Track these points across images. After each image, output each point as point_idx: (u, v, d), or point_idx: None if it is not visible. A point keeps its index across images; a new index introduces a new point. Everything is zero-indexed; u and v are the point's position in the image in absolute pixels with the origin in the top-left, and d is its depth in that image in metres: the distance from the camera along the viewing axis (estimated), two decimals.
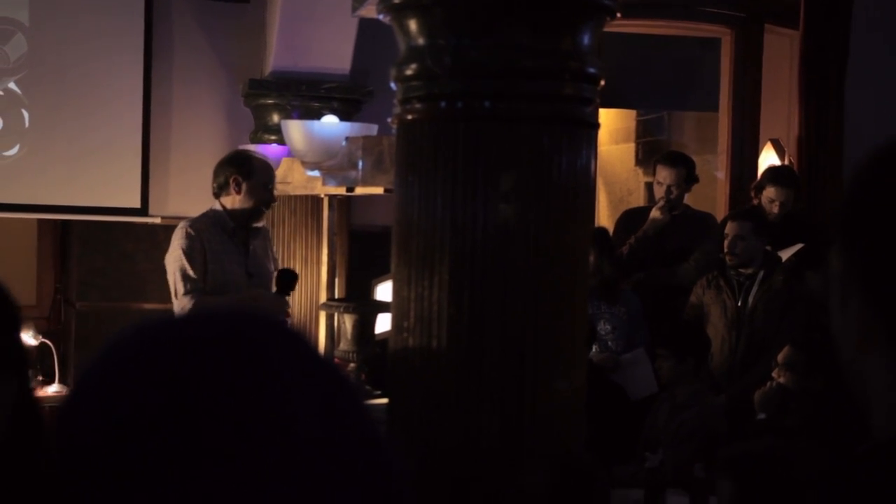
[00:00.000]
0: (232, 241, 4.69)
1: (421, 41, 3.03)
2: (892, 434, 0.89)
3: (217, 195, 4.73)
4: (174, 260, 4.62)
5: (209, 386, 0.82)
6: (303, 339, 0.89)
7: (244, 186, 4.65)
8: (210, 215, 4.72)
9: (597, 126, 3.19)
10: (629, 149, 10.89)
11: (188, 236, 4.60)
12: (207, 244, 4.61)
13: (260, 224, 4.83)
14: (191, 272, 4.56)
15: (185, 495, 0.80)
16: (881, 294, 0.89)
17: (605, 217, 9.28)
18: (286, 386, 0.84)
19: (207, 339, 0.86)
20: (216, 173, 4.75)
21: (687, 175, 5.69)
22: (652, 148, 9.87)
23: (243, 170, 4.66)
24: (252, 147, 6.06)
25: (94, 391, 0.86)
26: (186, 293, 4.55)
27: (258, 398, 0.82)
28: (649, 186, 8.91)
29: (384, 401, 3.26)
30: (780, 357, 4.41)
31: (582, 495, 2.47)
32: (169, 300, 5.30)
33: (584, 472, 2.58)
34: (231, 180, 4.66)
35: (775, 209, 5.62)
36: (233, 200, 4.68)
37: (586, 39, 3.04)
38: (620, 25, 6.49)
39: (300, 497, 0.81)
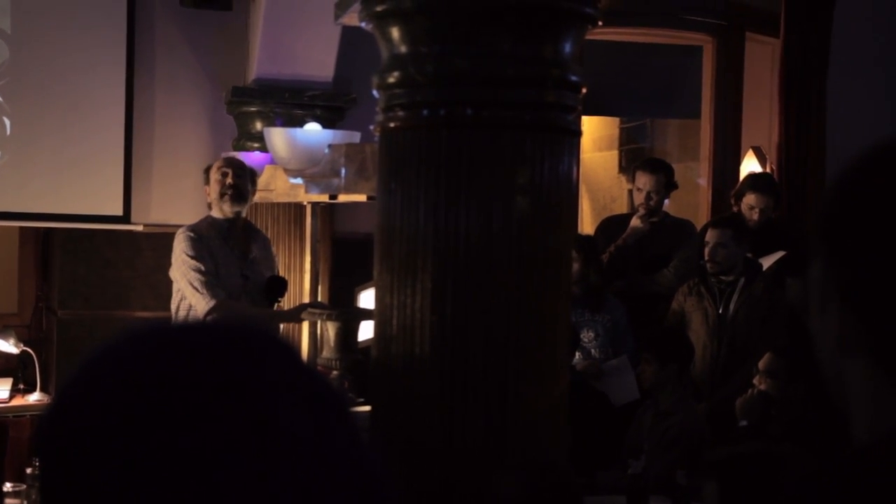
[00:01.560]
0: (227, 245, 4.78)
1: (403, 49, 3.03)
2: (872, 439, 0.90)
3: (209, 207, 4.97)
4: (184, 268, 4.66)
5: (196, 393, 0.83)
6: (289, 349, 0.90)
7: (209, 190, 4.92)
8: (208, 220, 4.88)
9: (579, 133, 3.20)
10: (612, 156, 10.92)
11: (191, 239, 4.70)
12: (207, 247, 4.71)
13: (239, 207, 4.89)
14: (205, 277, 4.60)
15: (171, 499, 0.80)
16: (860, 300, 0.89)
17: (588, 224, 9.30)
18: (273, 393, 0.85)
19: (196, 346, 0.86)
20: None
21: (666, 182, 5.71)
22: (635, 155, 9.90)
23: (204, 178, 4.99)
24: (234, 154, 6.07)
25: (80, 397, 0.86)
26: (210, 298, 4.59)
27: (245, 405, 0.83)
28: (632, 194, 8.93)
29: (367, 408, 3.26)
30: (761, 364, 4.43)
31: (557, 501, 2.48)
32: (153, 308, 5.32)
33: (560, 479, 2.59)
34: (206, 192, 4.96)
35: (755, 216, 5.64)
36: (214, 205, 4.86)
37: (568, 47, 3.05)
38: (602, 33, 6.52)
39: (287, 498, 0.82)
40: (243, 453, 0.81)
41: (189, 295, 4.65)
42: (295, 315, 4.93)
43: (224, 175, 4.85)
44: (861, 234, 0.90)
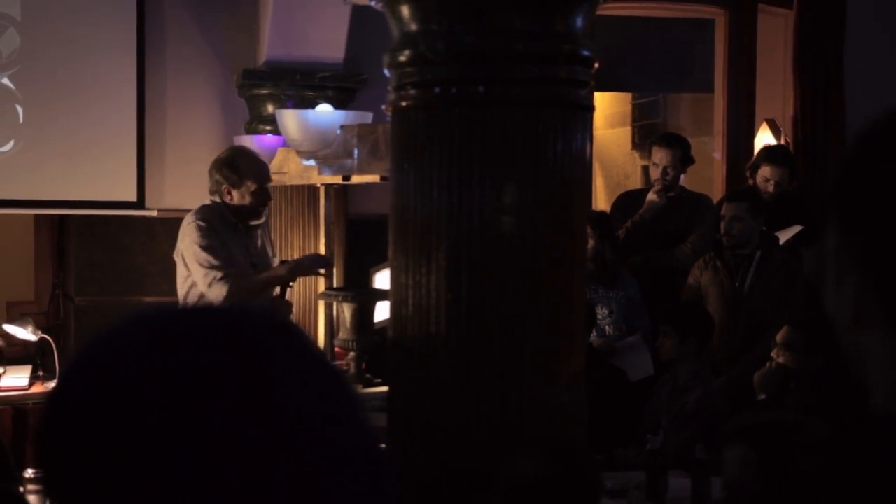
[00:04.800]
0: (234, 233, 4.70)
1: (414, 27, 3.02)
2: (892, 409, 0.89)
3: (210, 192, 4.78)
4: (193, 254, 4.58)
5: (205, 377, 0.82)
6: (298, 334, 0.89)
7: (235, 194, 4.70)
8: (213, 208, 4.73)
9: (592, 109, 3.18)
10: (625, 132, 10.88)
11: (201, 228, 4.59)
12: (217, 236, 4.63)
13: (261, 220, 4.84)
14: (216, 260, 4.55)
15: (179, 482, 0.80)
16: (877, 269, 0.88)
17: (602, 201, 9.27)
18: (282, 379, 0.85)
19: (204, 331, 0.86)
20: (209, 174, 4.78)
21: (683, 156, 5.68)
22: (648, 131, 9.86)
23: (232, 178, 4.70)
24: (247, 138, 6.06)
25: (87, 381, 0.85)
26: (221, 280, 4.53)
27: (251, 390, 0.83)
28: (646, 170, 8.90)
29: (384, 389, 3.26)
30: (778, 337, 4.41)
31: (573, 481, 2.48)
32: (168, 293, 5.28)
33: (577, 460, 2.58)
34: (223, 189, 4.71)
35: (770, 188, 5.61)
36: (230, 199, 4.72)
37: (579, 22, 3.03)
38: (614, 8, 6.48)
39: (292, 484, 0.81)
40: (251, 440, 0.81)
41: (202, 283, 4.60)
42: (291, 274, 4.82)
43: (265, 192, 4.76)
44: (877, 202, 0.89)
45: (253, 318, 0.89)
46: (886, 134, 0.91)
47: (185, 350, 0.84)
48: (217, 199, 4.75)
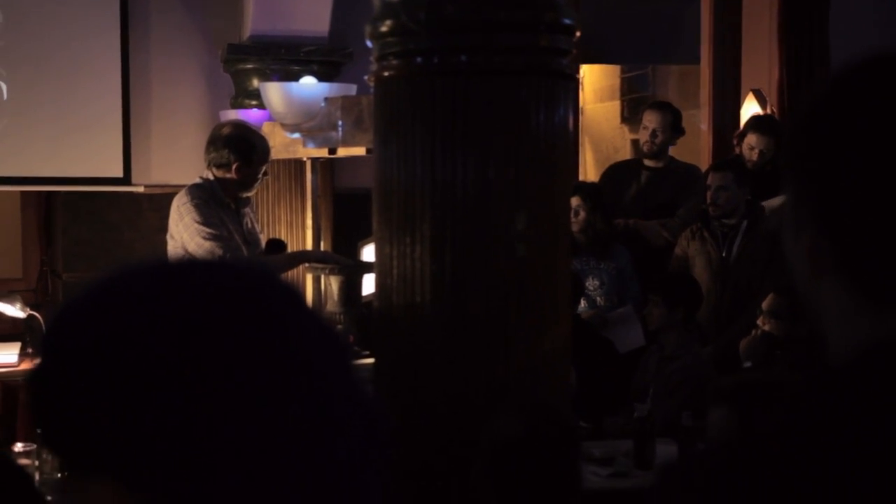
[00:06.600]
0: (226, 212, 4.66)
1: None
2: (846, 358, 0.90)
3: (209, 166, 4.69)
4: (195, 232, 4.51)
5: (213, 330, 0.83)
6: (301, 297, 0.91)
7: (242, 172, 4.65)
8: (205, 187, 4.65)
9: (574, 77, 3.19)
10: (614, 106, 10.88)
11: (199, 207, 4.52)
12: (215, 212, 4.58)
13: (251, 192, 4.81)
14: (218, 232, 4.51)
15: (197, 424, 0.80)
16: (830, 223, 0.90)
17: (592, 174, 9.28)
18: (286, 324, 0.86)
19: (212, 284, 0.87)
20: (215, 148, 4.67)
21: (673, 121, 5.69)
22: (637, 104, 9.87)
23: (246, 158, 4.64)
24: (232, 112, 6.04)
25: (98, 327, 0.85)
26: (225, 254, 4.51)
27: (259, 333, 0.84)
28: (635, 143, 8.91)
29: (371, 361, 3.27)
30: (764, 304, 4.43)
31: (553, 444, 2.50)
32: None
33: (557, 419, 2.60)
34: (234, 167, 4.63)
35: (755, 157, 5.61)
36: (232, 175, 4.65)
37: None
38: None
39: (294, 437, 0.83)
40: (259, 382, 0.82)
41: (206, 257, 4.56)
42: (292, 262, 4.85)
43: (265, 171, 4.77)
44: (830, 154, 0.90)
45: (257, 271, 0.90)
46: (833, 95, 0.93)
47: (193, 295, 0.85)
48: (210, 174, 4.68)
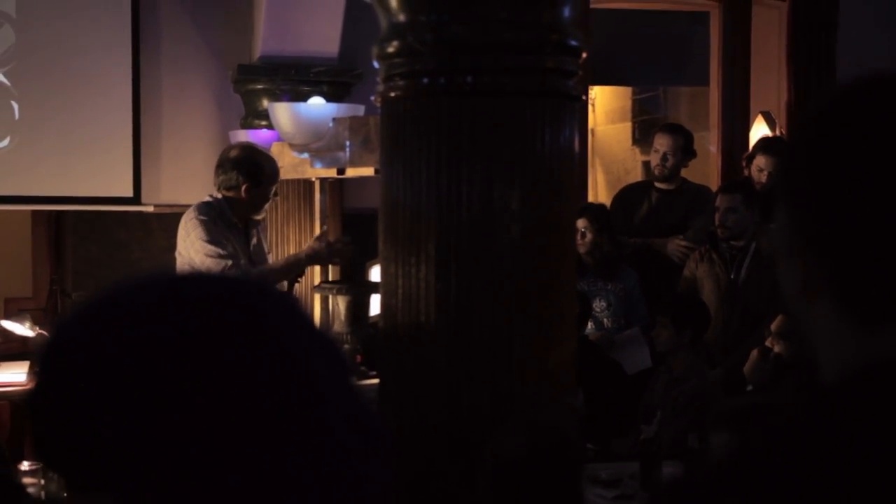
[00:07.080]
0: (233, 231, 4.68)
1: (402, 18, 3.02)
2: (837, 380, 0.91)
3: (219, 189, 4.72)
4: (200, 249, 4.52)
5: (210, 344, 0.83)
6: (299, 308, 0.91)
7: (251, 194, 4.67)
8: (214, 205, 4.68)
9: (580, 99, 3.19)
10: (626, 128, 10.89)
11: (204, 223, 4.55)
12: (221, 232, 4.60)
13: (261, 216, 4.84)
14: (224, 251, 4.53)
15: (199, 434, 0.81)
16: (821, 247, 0.90)
17: (603, 196, 9.29)
18: (287, 336, 0.86)
19: (208, 298, 0.87)
20: (224, 171, 4.69)
21: (684, 144, 5.69)
22: (649, 126, 9.88)
23: (254, 179, 4.67)
24: (242, 133, 6.06)
25: (100, 340, 0.85)
26: (232, 269, 4.52)
27: (258, 344, 0.84)
28: (647, 165, 8.91)
29: (377, 381, 3.27)
30: (773, 326, 4.42)
31: (555, 462, 2.49)
32: None
33: (560, 439, 2.60)
34: (243, 188, 4.66)
35: (763, 178, 5.61)
36: (241, 197, 4.67)
37: (567, 11, 3.03)
38: (609, 2, 6.49)
39: (294, 450, 0.83)
40: (258, 392, 0.82)
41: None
42: (288, 268, 4.86)
43: (275, 193, 4.79)
44: (823, 178, 0.91)
45: (254, 286, 0.90)
46: (824, 119, 0.93)
47: (190, 309, 0.85)
48: (220, 195, 4.70)
